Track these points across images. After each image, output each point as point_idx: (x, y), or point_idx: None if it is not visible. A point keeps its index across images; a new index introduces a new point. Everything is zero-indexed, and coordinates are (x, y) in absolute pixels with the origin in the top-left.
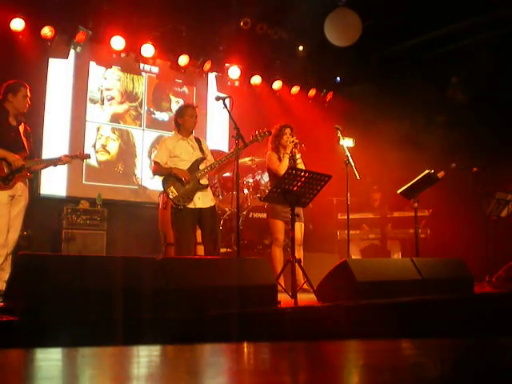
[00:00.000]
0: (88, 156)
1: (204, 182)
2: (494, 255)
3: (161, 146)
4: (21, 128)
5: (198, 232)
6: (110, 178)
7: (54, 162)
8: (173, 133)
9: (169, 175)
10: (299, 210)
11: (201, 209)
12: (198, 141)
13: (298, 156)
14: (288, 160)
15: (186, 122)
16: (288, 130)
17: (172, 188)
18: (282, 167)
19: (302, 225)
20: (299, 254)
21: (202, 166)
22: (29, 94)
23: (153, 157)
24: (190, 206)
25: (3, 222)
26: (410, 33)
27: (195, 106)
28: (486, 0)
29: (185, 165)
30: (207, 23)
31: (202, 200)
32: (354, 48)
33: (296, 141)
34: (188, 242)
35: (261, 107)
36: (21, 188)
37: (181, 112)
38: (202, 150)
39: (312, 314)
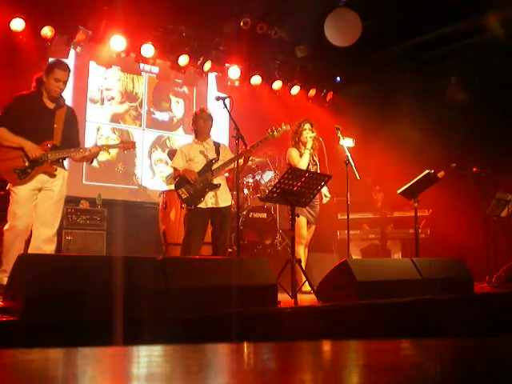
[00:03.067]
0: (133, 144)
1: (217, 181)
2: (494, 255)
3: (177, 153)
4: (60, 112)
5: (207, 232)
6: (110, 178)
7: (81, 152)
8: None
9: (181, 177)
10: (317, 211)
11: (213, 208)
12: (217, 144)
13: (316, 158)
14: (309, 156)
15: (199, 126)
16: (308, 126)
17: (183, 189)
18: (303, 163)
19: (314, 227)
20: (305, 253)
21: (214, 167)
22: (64, 77)
23: (170, 163)
24: (202, 205)
25: (25, 221)
26: (409, 33)
27: (206, 109)
28: (486, 0)
29: (198, 167)
30: (207, 23)
31: (215, 199)
32: (354, 48)
33: (314, 135)
34: (196, 242)
35: (261, 107)
36: (47, 179)
37: (194, 118)
38: (218, 152)
39: (312, 314)
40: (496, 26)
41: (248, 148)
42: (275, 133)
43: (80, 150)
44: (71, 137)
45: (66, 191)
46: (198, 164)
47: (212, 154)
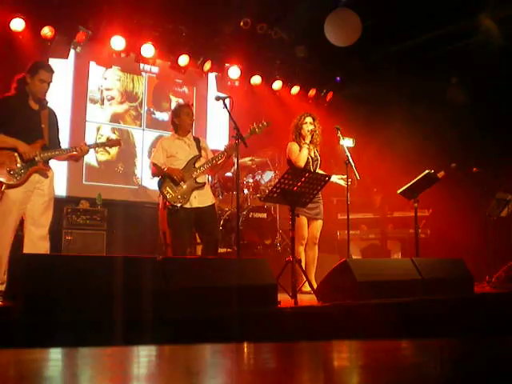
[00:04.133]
0: (118, 142)
1: (201, 180)
2: (494, 255)
3: (157, 147)
4: (44, 113)
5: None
6: (110, 178)
7: (72, 151)
8: (170, 133)
9: (164, 175)
10: (320, 207)
11: (197, 208)
12: (197, 140)
13: (317, 154)
14: (307, 150)
15: (182, 121)
16: (309, 119)
17: (168, 189)
18: (301, 158)
19: (321, 222)
20: (314, 252)
21: (198, 164)
22: (49, 78)
23: (150, 159)
24: (187, 205)
25: (9, 224)
26: (410, 33)
27: (190, 105)
28: (486, 0)
29: (181, 164)
30: (207, 23)
31: (199, 199)
32: (354, 48)
33: (313, 128)
34: (182, 244)
35: (261, 107)
36: (39, 180)
37: (176, 112)
38: (199, 148)
39: (312, 314)
40: (491, 27)
41: (226, 148)
42: (257, 130)
43: (71, 149)
44: (55, 137)
45: (66, 191)
46: (181, 161)
47: (194, 151)
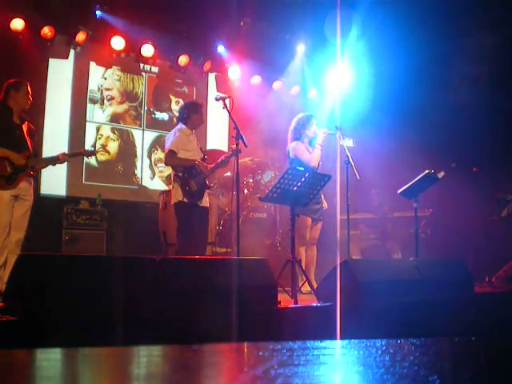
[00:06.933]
0: (92, 153)
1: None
2: (494, 255)
3: (178, 134)
4: (24, 127)
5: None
6: (110, 178)
7: (54, 160)
8: (181, 125)
9: (191, 167)
10: (322, 208)
11: (204, 207)
12: None
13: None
14: (319, 151)
15: (198, 120)
16: (316, 120)
17: (194, 182)
18: (314, 158)
19: (320, 224)
20: (313, 252)
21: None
22: (30, 91)
23: (169, 145)
24: (203, 203)
25: (3, 221)
26: (410, 32)
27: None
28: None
29: (191, 156)
30: (207, 23)
31: (205, 199)
32: (354, 47)
33: (328, 131)
34: (193, 240)
35: (261, 107)
36: (25, 188)
37: (196, 109)
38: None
39: (312, 314)
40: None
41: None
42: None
43: (54, 158)
44: (34, 147)
45: (66, 191)
46: (190, 153)
47: (199, 150)
